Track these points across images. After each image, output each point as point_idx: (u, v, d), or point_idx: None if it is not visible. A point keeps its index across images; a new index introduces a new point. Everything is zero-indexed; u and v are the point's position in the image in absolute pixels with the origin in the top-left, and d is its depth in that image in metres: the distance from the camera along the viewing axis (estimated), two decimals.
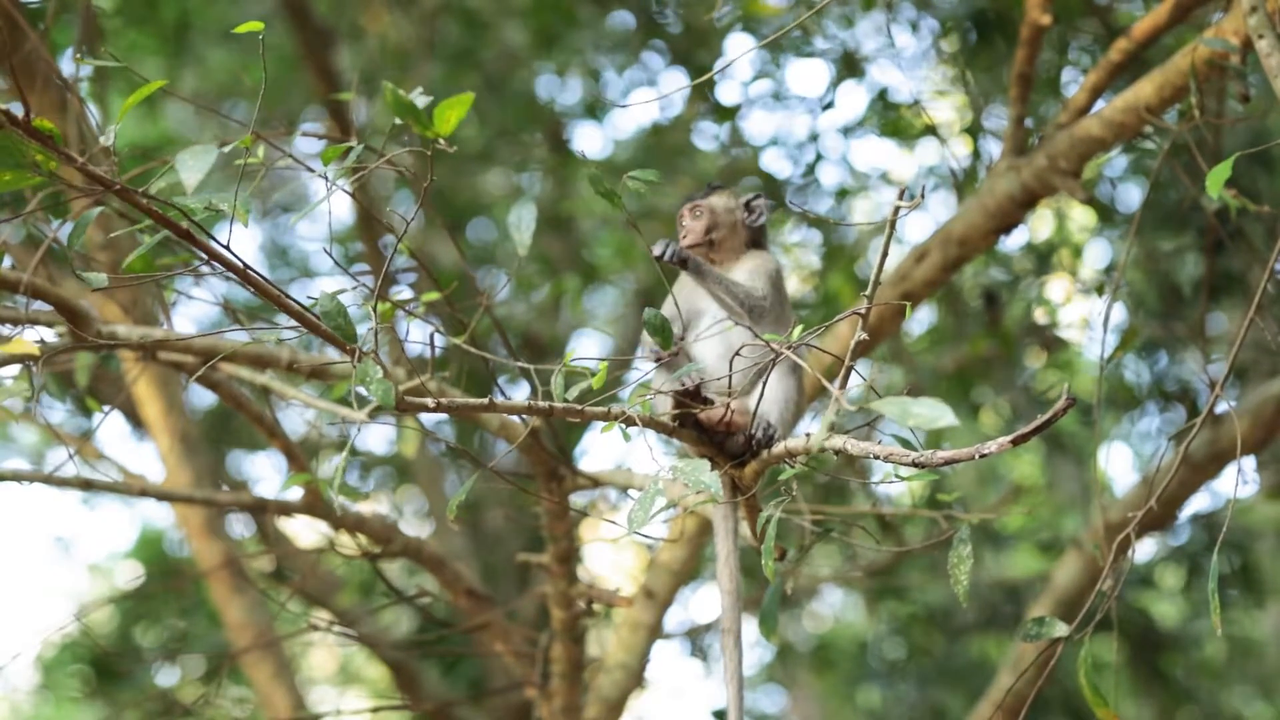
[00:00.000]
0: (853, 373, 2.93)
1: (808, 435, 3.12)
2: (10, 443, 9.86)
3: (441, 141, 2.87)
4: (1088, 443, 7.66)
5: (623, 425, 3.08)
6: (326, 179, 3.02)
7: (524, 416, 3.99)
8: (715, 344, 3.47)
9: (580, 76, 8.73)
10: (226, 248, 2.87)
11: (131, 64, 3.17)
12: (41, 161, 2.82)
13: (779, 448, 3.27)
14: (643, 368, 3.56)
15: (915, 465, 2.76)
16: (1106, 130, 4.72)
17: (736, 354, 3.27)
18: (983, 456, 2.66)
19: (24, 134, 2.76)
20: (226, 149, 2.96)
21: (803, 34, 7.19)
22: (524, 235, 3.63)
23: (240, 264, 2.89)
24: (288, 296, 2.90)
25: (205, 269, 2.96)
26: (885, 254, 2.85)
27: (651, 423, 3.21)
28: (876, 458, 2.80)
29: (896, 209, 2.81)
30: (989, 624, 8.38)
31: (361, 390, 2.82)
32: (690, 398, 3.38)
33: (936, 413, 2.50)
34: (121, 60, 3.17)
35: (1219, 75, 4.56)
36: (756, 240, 3.66)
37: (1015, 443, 2.68)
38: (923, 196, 2.78)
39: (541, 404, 3.03)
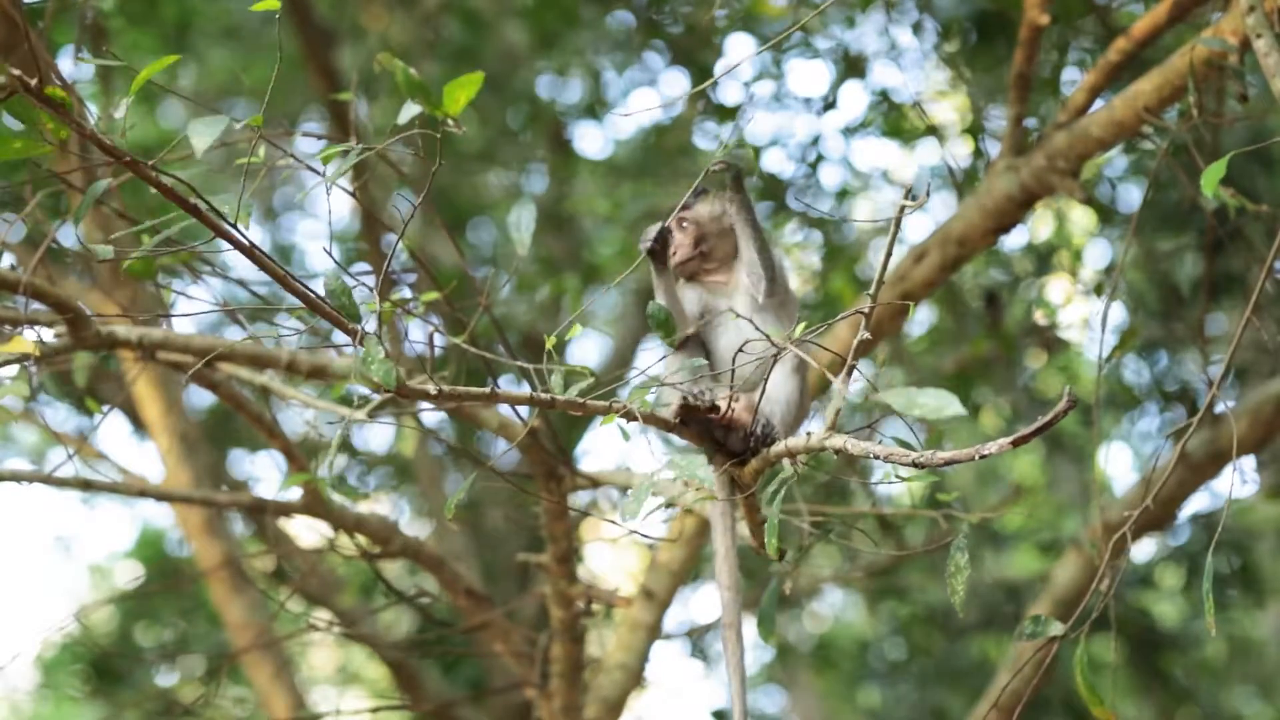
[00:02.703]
0: (854, 372, 2.92)
1: (808, 434, 3.10)
2: (10, 443, 9.85)
3: (451, 122, 2.84)
4: (1087, 443, 7.65)
5: (623, 420, 3.06)
6: (326, 179, 3.02)
7: (523, 416, 3.99)
8: (729, 339, 3.43)
9: (581, 76, 8.73)
10: (234, 225, 2.86)
11: (132, 64, 3.17)
12: (53, 129, 2.81)
13: (779, 447, 3.22)
14: (645, 367, 3.54)
15: (916, 465, 2.75)
16: (1105, 130, 4.72)
17: (740, 350, 3.26)
18: (983, 457, 2.65)
19: (36, 101, 2.74)
20: (232, 158, 2.96)
21: (804, 34, 7.17)
22: (524, 235, 3.63)
23: (246, 242, 2.88)
24: (293, 277, 2.90)
25: (209, 260, 2.94)
26: (889, 254, 2.83)
27: (652, 419, 3.18)
28: (877, 458, 2.78)
29: (901, 208, 2.80)
30: (989, 624, 8.37)
31: (362, 383, 2.82)
32: (703, 413, 3.34)
33: (943, 402, 2.47)
34: (122, 60, 3.17)
35: (1217, 75, 4.56)
36: None
37: (1016, 444, 2.67)
38: (927, 196, 2.76)
39: (543, 395, 3.01)
